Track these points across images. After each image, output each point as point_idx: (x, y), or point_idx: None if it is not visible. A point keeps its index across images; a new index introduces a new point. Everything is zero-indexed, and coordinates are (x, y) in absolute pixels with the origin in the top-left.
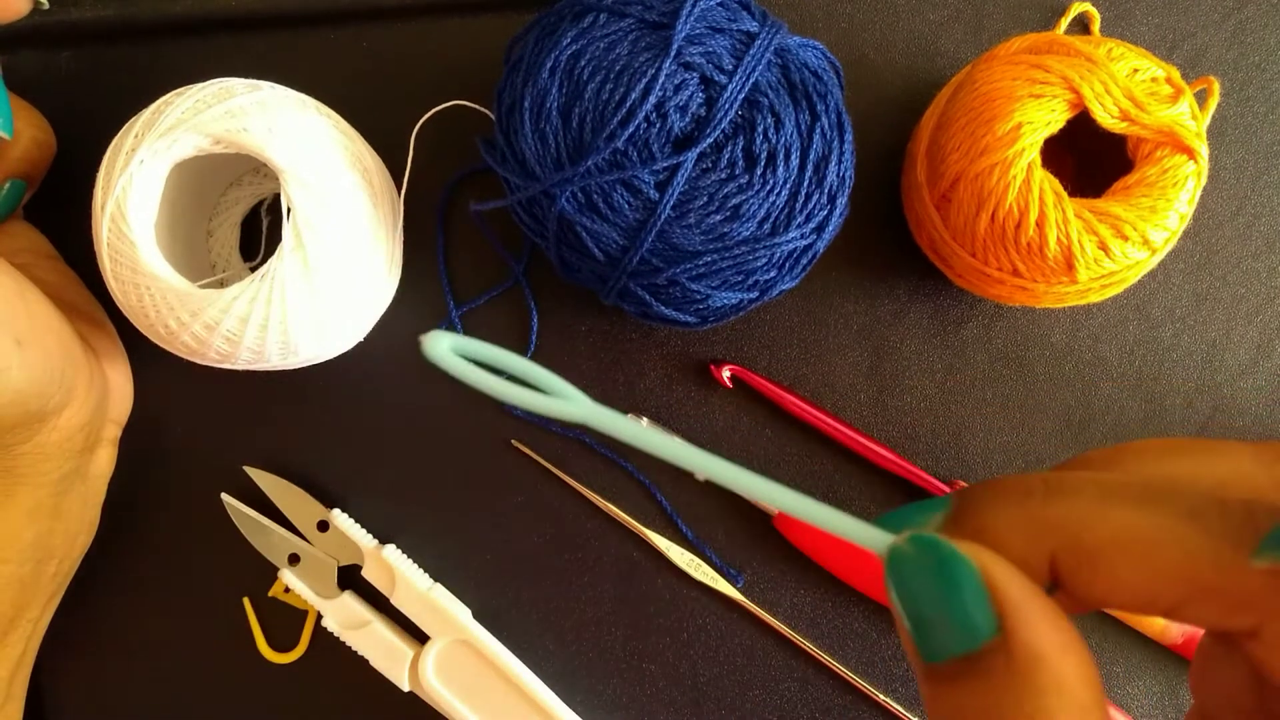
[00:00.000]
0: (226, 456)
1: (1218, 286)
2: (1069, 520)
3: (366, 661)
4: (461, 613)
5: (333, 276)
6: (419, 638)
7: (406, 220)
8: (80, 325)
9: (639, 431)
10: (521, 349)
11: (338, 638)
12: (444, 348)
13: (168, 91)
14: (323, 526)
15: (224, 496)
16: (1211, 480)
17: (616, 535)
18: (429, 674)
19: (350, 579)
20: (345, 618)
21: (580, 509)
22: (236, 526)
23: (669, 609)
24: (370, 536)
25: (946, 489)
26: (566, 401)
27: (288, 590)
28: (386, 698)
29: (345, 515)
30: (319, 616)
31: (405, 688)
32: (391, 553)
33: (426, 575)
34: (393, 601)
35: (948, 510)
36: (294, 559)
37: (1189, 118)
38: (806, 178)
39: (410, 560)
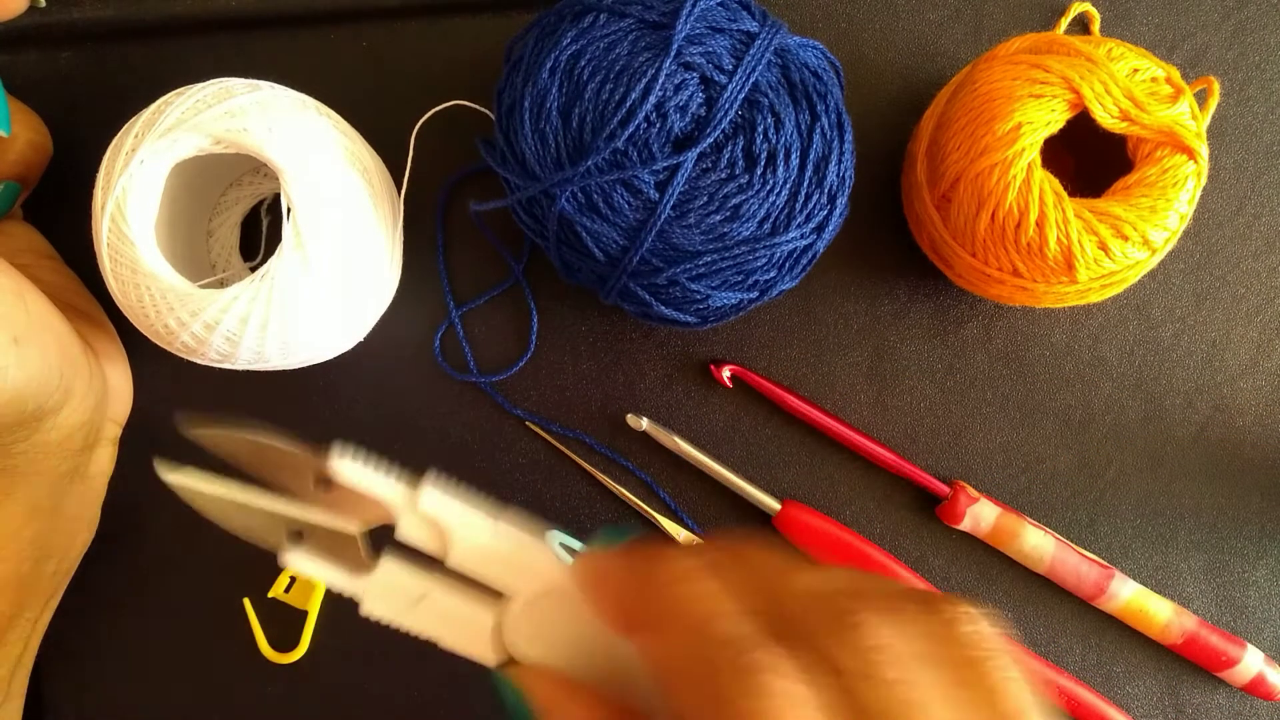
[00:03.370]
0: None
1: (1218, 286)
2: None
3: (367, 662)
4: (543, 555)
5: (333, 276)
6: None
7: (406, 220)
8: (79, 325)
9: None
10: (522, 349)
11: (389, 628)
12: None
13: (168, 91)
14: (325, 484)
15: (164, 473)
16: None
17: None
18: (521, 640)
19: (380, 542)
20: (392, 595)
21: (582, 507)
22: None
23: None
24: (395, 479)
25: (946, 489)
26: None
27: (288, 590)
28: (387, 698)
29: (353, 458)
30: (355, 606)
31: (495, 663)
32: (432, 497)
33: (486, 510)
34: (449, 564)
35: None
36: (297, 536)
37: (1189, 118)
38: (806, 178)
39: (456, 498)
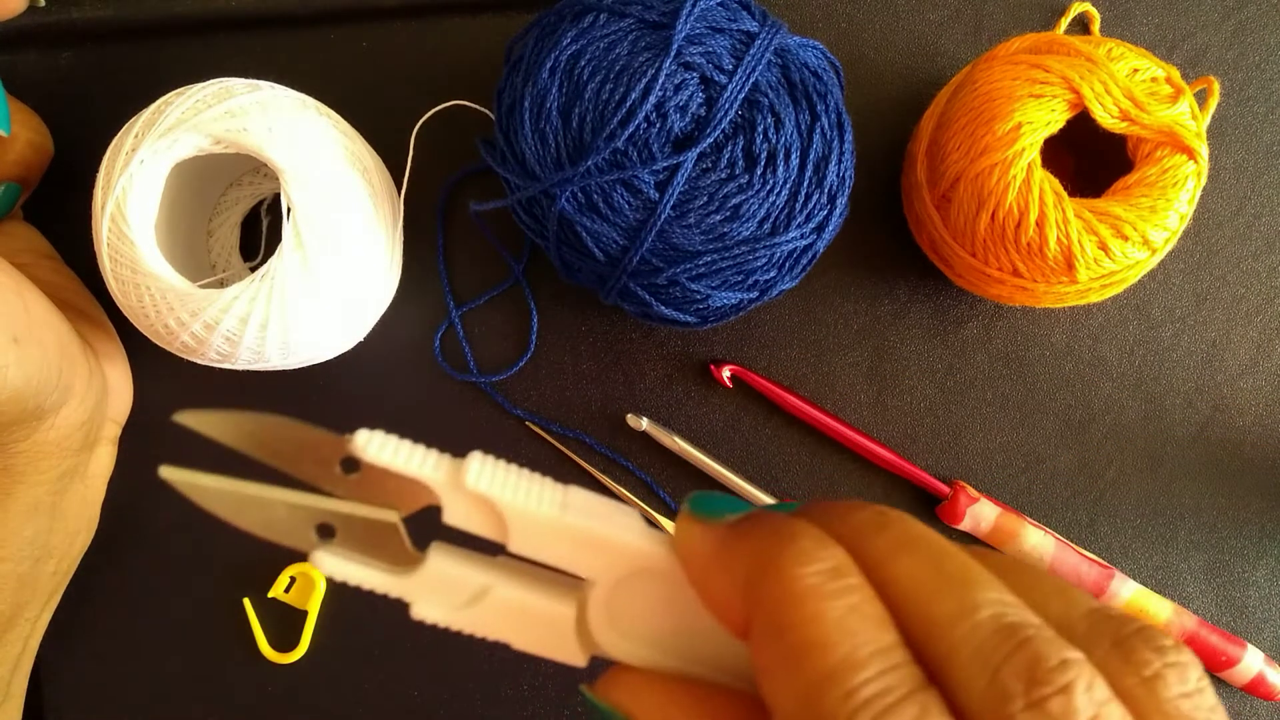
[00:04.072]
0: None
1: (1218, 286)
2: None
3: (367, 661)
4: (628, 528)
5: (332, 276)
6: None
7: (406, 220)
8: (79, 325)
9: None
10: (521, 349)
11: (444, 630)
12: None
13: (168, 91)
14: (349, 465)
15: (166, 474)
16: None
17: None
18: (612, 633)
19: (426, 531)
20: (446, 593)
21: None
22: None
23: None
24: (435, 455)
25: (946, 489)
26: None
27: (288, 590)
28: (387, 698)
29: (382, 435)
30: (407, 609)
31: (582, 662)
32: (480, 471)
33: (550, 481)
34: (512, 548)
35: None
36: (326, 530)
37: (1189, 118)
38: (806, 178)
39: (511, 471)
